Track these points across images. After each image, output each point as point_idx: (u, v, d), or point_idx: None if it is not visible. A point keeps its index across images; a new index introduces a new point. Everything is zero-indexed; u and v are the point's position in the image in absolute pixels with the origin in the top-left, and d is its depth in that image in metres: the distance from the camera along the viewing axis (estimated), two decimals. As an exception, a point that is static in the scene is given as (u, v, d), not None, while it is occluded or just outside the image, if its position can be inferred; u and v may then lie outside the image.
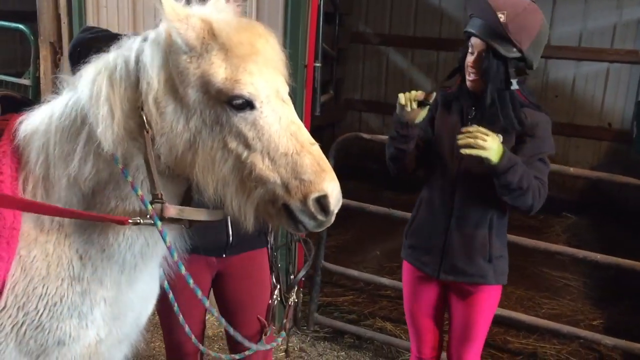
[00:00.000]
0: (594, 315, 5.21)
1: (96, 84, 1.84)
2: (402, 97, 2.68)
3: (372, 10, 8.79)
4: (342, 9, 7.94)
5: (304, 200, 1.78)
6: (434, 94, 2.70)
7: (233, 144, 1.79)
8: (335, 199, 1.81)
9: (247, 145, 1.79)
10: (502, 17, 2.53)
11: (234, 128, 1.79)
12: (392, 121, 2.82)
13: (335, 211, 1.83)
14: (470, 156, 2.55)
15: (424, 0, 8.47)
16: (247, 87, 1.77)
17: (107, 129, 1.81)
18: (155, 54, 1.80)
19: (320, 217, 1.80)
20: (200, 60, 1.78)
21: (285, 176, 1.78)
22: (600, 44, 7.64)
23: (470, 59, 2.67)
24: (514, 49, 2.56)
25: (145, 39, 1.86)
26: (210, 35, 1.77)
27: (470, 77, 2.69)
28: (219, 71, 1.77)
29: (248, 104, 1.78)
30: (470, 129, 2.52)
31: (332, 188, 1.79)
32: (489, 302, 2.92)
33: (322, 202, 1.78)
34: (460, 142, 2.52)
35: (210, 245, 2.63)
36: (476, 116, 2.74)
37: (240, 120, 1.79)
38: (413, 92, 2.68)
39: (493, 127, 2.62)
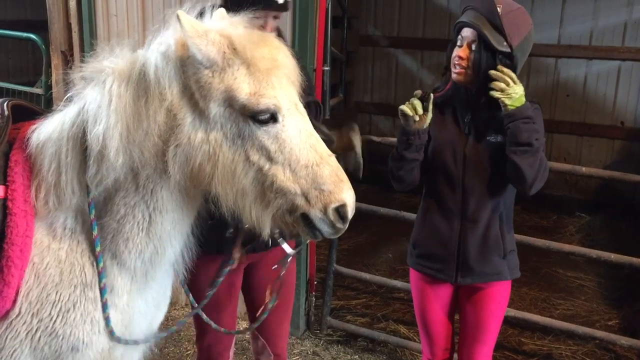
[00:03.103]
0: (609, 316, 5.18)
1: (105, 94, 1.86)
2: (405, 109, 2.64)
3: (381, 12, 8.79)
4: (350, 12, 7.93)
5: (324, 210, 1.86)
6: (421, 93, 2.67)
7: (255, 157, 1.84)
8: (352, 207, 1.90)
9: (270, 158, 1.84)
10: (499, 9, 2.57)
11: (257, 141, 1.83)
12: (398, 139, 2.75)
13: (350, 218, 1.91)
14: (475, 156, 2.57)
15: (432, 2, 8.46)
16: (272, 101, 1.81)
17: (113, 139, 1.83)
18: (166, 66, 1.82)
19: (339, 225, 1.90)
20: (223, 75, 1.81)
21: (305, 187, 1.85)
22: (611, 42, 7.58)
23: (458, 51, 2.67)
24: (504, 43, 2.56)
25: (152, 50, 1.87)
26: (231, 50, 1.81)
27: (455, 69, 2.67)
28: (243, 86, 1.81)
29: (272, 118, 1.83)
30: (497, 74, 2.55)
31: (350, 197, 1.89)
32: (501, 298, 2.91)
33: (340, 210, 1.88)
34: (494, 84, 2.56)
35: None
36: (473, 120, 2.74)
37: (263, 133, 1.83)
38: (412, 100, 2.65)
39: (489, 127, 2.68)
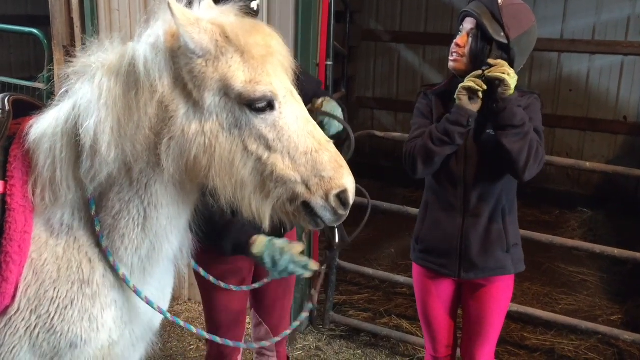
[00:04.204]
0: (612, 311, 5.17)
1: (94, 88, 1.85)
2: (472, 85, 2.57)
3: (383, 7, 8.77)
4: (353, 7, 7.93)
5: (325, 197, 1.84)
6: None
7: (253, 147, 1.81)
8: (353, 193, 1.88)
9: (268, 147, 1.81)
10: (500, 1, 2.61)
11: (254, 130, 1.81)
12: (453, 122, 2.64)
13: (351, 203, 1.90)
14: (478, 154, 2.57)
15: (435, -4, 8.45)
16: (269, 88, 1.79)
17: (104, 134, 1.81)
18: (155, 57, 1.79)
19: (341, 211, 1.88)
20: (217, 64, 1.78)
21: (305, 174, 1.83)
22: (614, 37, 7.55)
23: (456, 39, 2.69)
24: (502, 34, 2.59)
25: (141, 42, 1.85)
26: (224, 38, 1.78)
27: (452, 56, 2.70)
28: (238, 74, 1.78)
29: (269, 106, 1.81)
30: (498, 61, 2.56)
31: (350, 182, 1.87)
32: (504, 294, 2.91)
33: (342, 196, 1.86)
34: (489, 72, 2.55)
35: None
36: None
37: (261, 122, 1.81)
38: (473, 79, 2.59)
39: (489, 121, 2.66)
